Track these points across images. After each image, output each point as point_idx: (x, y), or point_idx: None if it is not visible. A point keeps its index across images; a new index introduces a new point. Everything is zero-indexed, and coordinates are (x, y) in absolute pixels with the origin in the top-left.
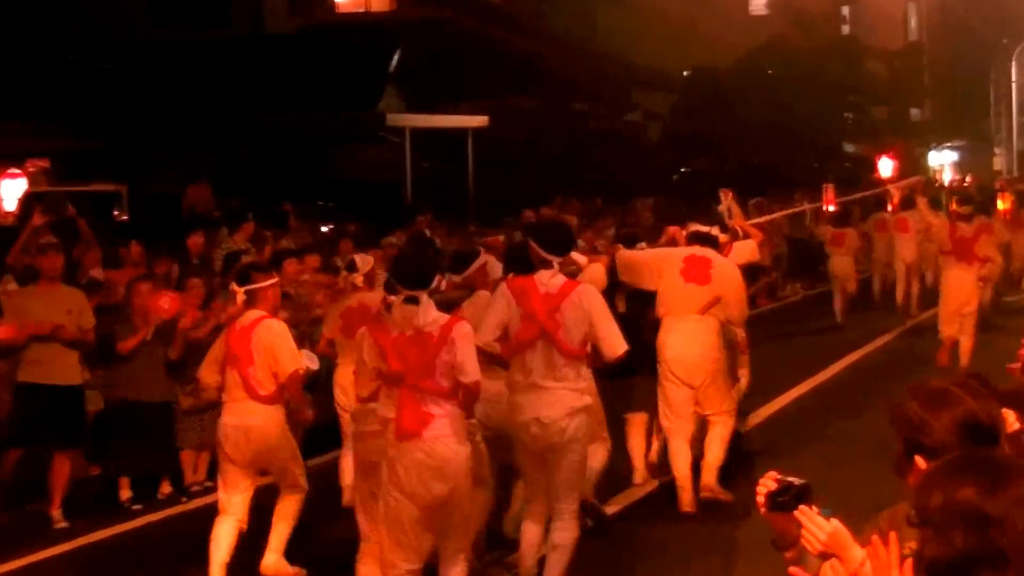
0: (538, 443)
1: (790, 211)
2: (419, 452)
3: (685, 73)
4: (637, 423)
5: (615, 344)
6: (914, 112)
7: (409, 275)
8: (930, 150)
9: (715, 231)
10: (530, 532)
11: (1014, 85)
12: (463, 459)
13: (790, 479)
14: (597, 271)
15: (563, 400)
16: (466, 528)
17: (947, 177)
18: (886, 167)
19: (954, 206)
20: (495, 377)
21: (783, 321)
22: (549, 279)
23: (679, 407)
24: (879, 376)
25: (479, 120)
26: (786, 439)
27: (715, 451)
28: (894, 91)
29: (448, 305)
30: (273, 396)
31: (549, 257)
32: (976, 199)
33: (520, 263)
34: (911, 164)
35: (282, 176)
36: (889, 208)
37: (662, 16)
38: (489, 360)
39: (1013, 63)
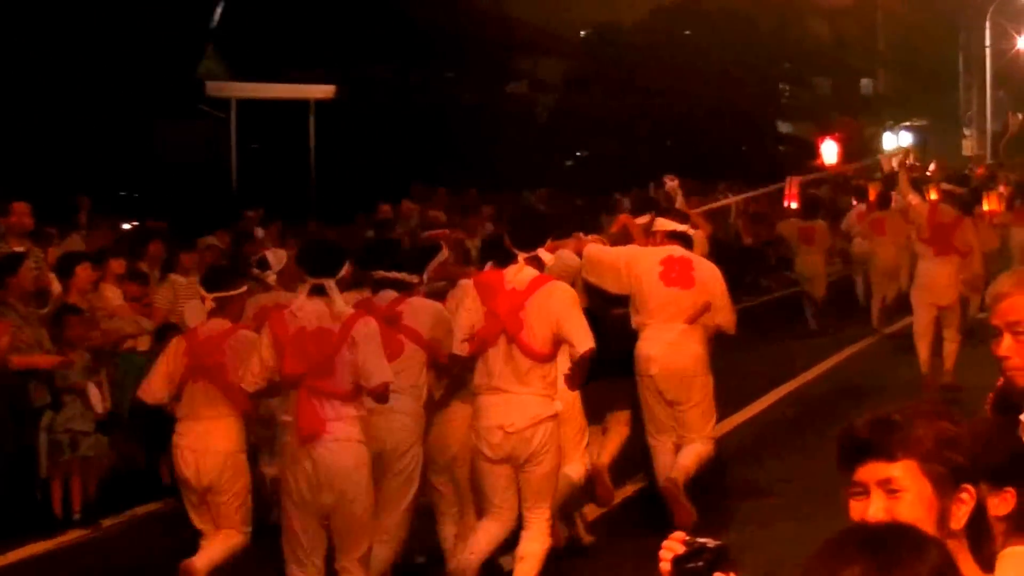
0: (499, 452)
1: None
2: (308, 460)
3: (582, 33)
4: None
5: (582, 340)
6: (865, 84)
7: (315, 261)
8: (885, 131)
9: (688, 229)
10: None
11: (988, 51)
12: (356, 466)
13: (702, 541)
14: (570, 258)
15: (529, 407)
16: (361, 541)
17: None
18: (830, 152)
19: (937, 187)
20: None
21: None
22: (516, 274)
23: (665, 425)
24: (823, 408)
25: (324, 90)
26: (710, 487)
27: (689, 458)
28: (840, 58)
29: (434, 295)
30: (243, 407)
31: (514, 251)
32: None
33: (497, 253)
34: (861, 147)
35: (72, 160)
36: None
37: None
38: (454, 364)
39: (987, 23)
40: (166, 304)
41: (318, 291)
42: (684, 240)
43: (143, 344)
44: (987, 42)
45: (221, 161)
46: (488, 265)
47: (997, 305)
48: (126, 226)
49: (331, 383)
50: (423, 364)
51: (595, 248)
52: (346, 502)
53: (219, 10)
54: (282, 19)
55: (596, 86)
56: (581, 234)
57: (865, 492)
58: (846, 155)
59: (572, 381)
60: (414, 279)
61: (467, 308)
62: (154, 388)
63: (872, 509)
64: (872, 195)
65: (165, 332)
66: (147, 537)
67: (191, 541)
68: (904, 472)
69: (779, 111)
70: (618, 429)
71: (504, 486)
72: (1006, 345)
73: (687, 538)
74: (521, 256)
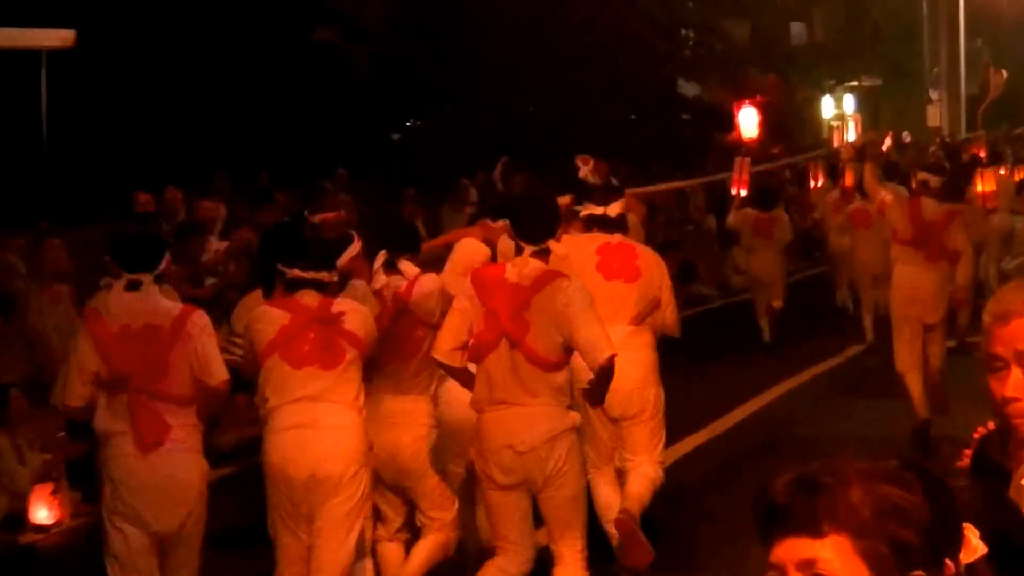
0: (512, 476)
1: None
2: (151, 472)
3: None
4: None
5: (600, 346)
6: (796, 30)
7: (130, 254)
8: (824, 94)
9: (613, 210)
10: None
11: None
12: (200, 481)
13: None
14: (477, 251)
15: (541, 421)
16: (194, 564)
17: (851, 137)
18: (749, 121)
19: (920, 174)
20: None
21: None
22: (522, 268)
23: (608, 449)
24: (790, 433)
25: (60, 37)
26: (666, 521)
27: (640, 485)
28: None
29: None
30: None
31: (521, 243)
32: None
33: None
34: (792, 116)
35: None
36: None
37: None
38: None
39: None
40: None
41: (134, 286)
42: (617, 225)
43: None
44: None
45: None
46: (378, 262)
47: (1002, 327)
48: None
49: (166, 385)
50: (360, 373)
51: (511, 244)
52: (189, 521)
53: None
54: None
55: (433, 33)
56: (489, 221)
57: None
58: (770, 126)
59: (592, 397)
60: (333, 277)
61: (460, 309)
62: (72, 390)
63: None
64: (849, 179)
65: None
66: None
67: None
68: (833, 552)
69: (681, 67)
70: None
71: (520, 517)
72: (1015, 381)
73: None
74: (529, 250)
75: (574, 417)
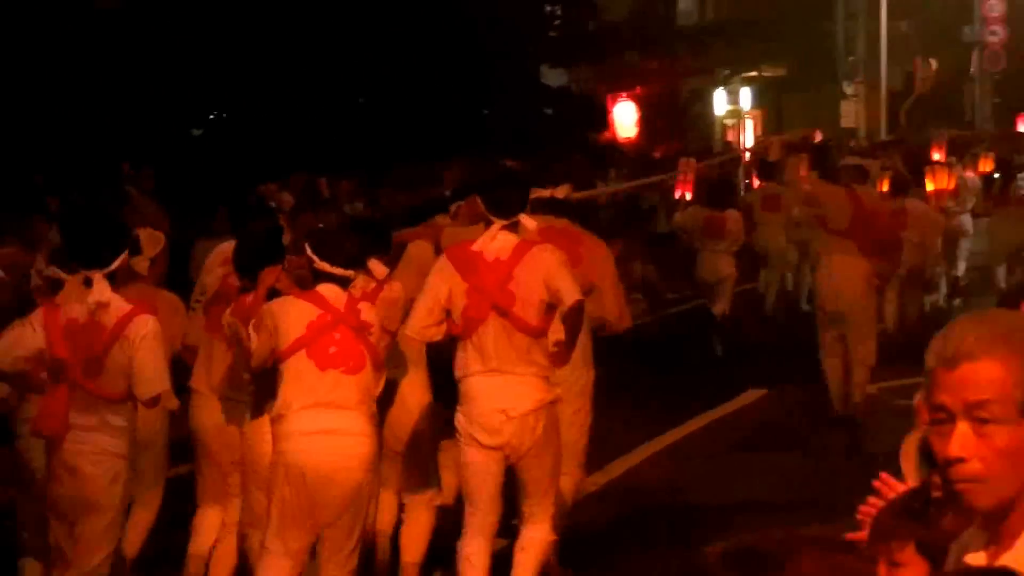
0: (497, 438)
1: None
2: (60, 467)
3: None
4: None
5: (570, 291)
6: (685, 8)
7: (83, 250)
8: (717, 87)
9: (561, 192)
10: (473, 550)
11: None
12: (108, 485)
13: None
14: (425, 250)
15: (532, 390)
16: (95, 552)
17: (748, 139)
18: (626, 117)
19: (851, 159)
20: None
21: None
22: (496, 242)
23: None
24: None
25: None
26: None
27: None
28: None
29: None
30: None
31: (491, 217)
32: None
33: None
34: (678, 115)
35: None
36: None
37: None
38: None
39: None
40: None
41: (87, 283)
42: (564, 209)
43: None
44: None
45: None
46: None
47: (948, 372)
48: None
49: (99, 384)
50: (373, 384)
51: (454, 233)
52: (93, 515)
53: None
54: None
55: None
56: (439, 219)
57: None
58: (653, 123)
59: (559, 356)
60: (357, 276)
61: (436, 285)
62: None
63: None
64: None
65: None
66: None
67: None
68: None
69: (545, 50)
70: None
71: (493, 481)
72: (961, 438)
73: None
74: (498, 223)
75: (556, 392)
